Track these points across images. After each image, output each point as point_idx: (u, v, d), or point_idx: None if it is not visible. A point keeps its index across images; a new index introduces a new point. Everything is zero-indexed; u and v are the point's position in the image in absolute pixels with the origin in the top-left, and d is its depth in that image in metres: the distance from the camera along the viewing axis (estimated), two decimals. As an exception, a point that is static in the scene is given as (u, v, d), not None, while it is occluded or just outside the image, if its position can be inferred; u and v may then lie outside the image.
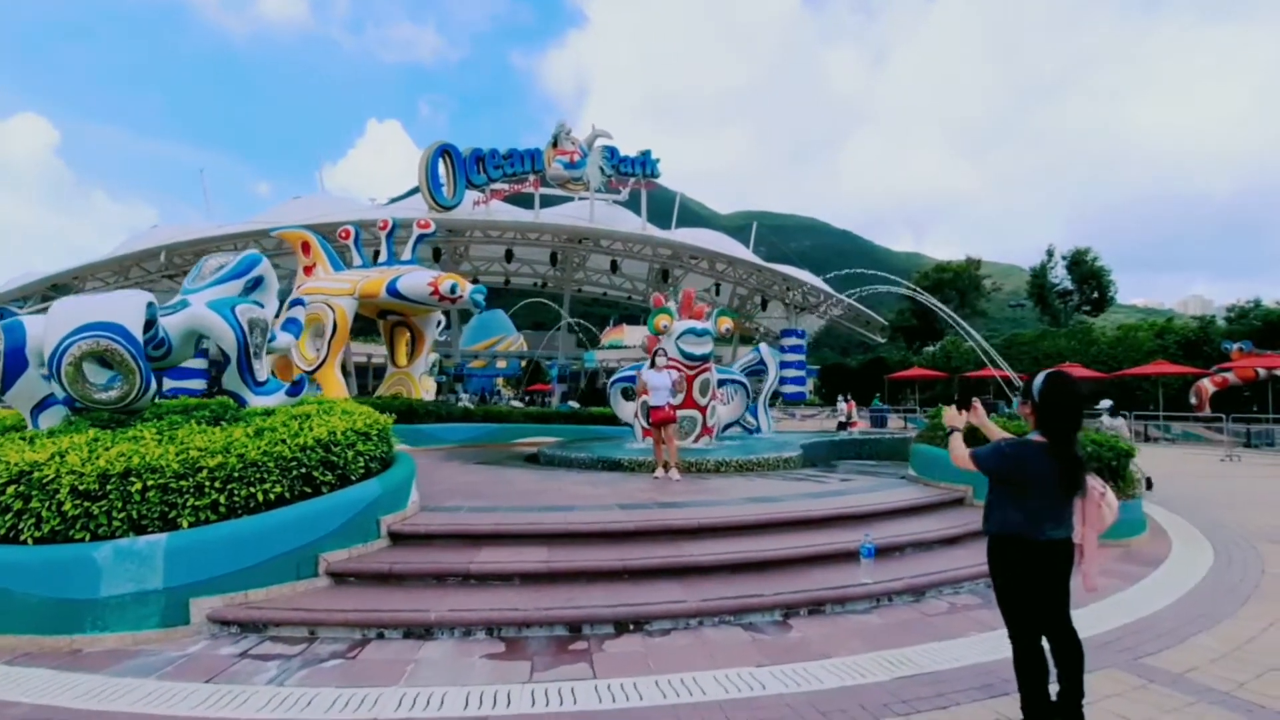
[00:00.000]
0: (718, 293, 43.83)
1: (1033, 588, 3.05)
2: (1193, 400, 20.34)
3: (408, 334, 15.26)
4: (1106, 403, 12.73)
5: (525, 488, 7.88)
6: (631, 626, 4.37)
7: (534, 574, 4.91)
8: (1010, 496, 3.13)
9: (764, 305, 42.93)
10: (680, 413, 11.47)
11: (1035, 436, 3.07)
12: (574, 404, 23.53)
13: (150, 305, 5.44)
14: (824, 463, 11.27)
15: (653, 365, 9.35)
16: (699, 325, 11.01)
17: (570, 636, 4.28)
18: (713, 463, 9.48)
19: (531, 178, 33.42)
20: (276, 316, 7.69)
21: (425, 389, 15.30)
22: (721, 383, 12.28)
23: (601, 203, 38.30)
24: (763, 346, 15.23)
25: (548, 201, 40.41)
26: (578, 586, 4.83)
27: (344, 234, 14.86)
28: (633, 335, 57.86)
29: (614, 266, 40.69)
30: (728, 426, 13.24)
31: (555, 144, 33.29)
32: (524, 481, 8.39)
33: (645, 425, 11.87)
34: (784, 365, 40.14)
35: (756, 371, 14.98)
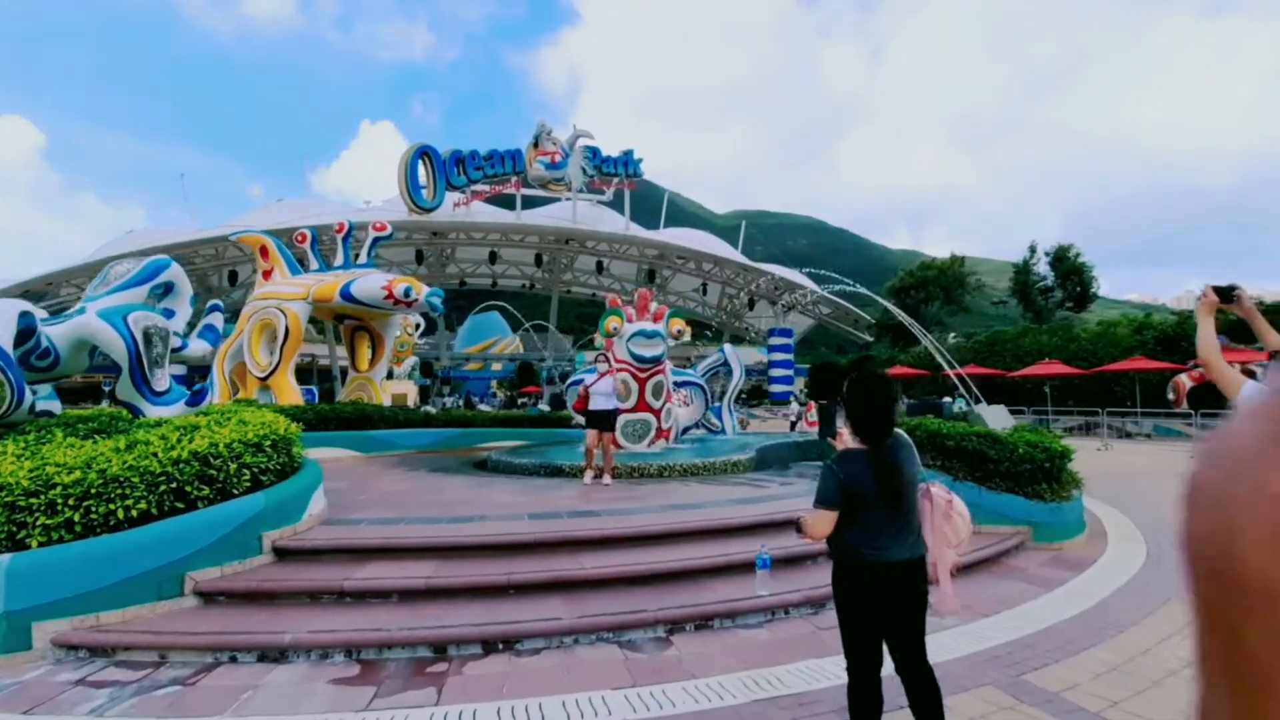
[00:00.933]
0: (705, 293, 43.71)
1: (874, 615, 2.73)
2: (1170, 396, 20.14)
3: (368, 338, 15.06)
4: (956, 401, 12.53)
5: (451, 496, 7.68)
6: (500, 646, 4.18)
7: (414, 590, 4.71)
8: (849, 513, 2.78)
9: (751, 305, 42.78)
10: (634, 416, 11.32)
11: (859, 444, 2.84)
12: (544, 407, 23.35)
13: (25, 315, 5.24)
14: (780, 465, 11.07)
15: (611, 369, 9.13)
16: (648, 327, 10.82)
17: (434, 658, 4.08)
18: (656, 467, 9.29)
19: (513, 179, 33.24)
20: (193, 323, 7.51)
21: (390, 393, 15.11)
22: (679, 385, 12.09)
23: (586, 203, 38.14)
24: (726, 347, 15.02)
25: (533, 203, 40.28)
26: (458, 603, 4.63)
27: (300, 238, 14.69)
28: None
29: (600, 267, 40.50)
30: (688, 429, 13.05)
31: (536, 144, 33.12)
32: (454, 490, 8.19)
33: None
34: (772, 365, 40.13)
35: (720, 373, 14.78)
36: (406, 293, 13.01)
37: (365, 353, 15.13)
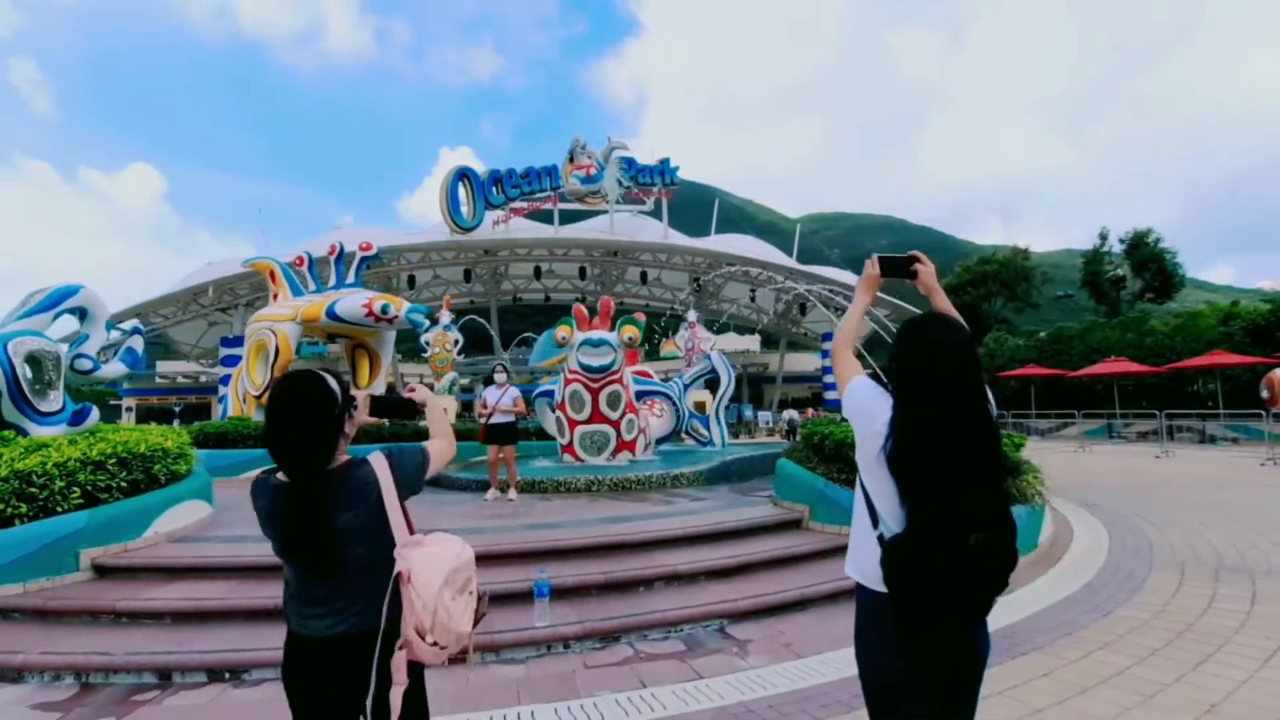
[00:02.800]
0: (753, 299, 42.59)
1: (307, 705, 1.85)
2: (1263, 393, 17.59)
3: (366, 356, 15.45)
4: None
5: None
6: (227, 675, 3.95)
7: (185, 612, 4.58)
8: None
9: (803, 310, 41.34)
10: (590, 428, 10.96)
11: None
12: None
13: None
14: (738, 479, 10.35)
15: (493, 382, 8.80)
16: (595, 335, 10.44)
17: (155, 685, 3.90)
18: (583, 481, 8.88)
19: (550, 194, 33.68)
20: (111, 347, 7.82)
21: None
22: (641, 394, 11.61)
23: (627, 214, 38.17)
24: (714, 353, 14.40)
25: (578, 216, 40.73)
26: (225, 626, 4.45)
27: (299, 261, 15.27)
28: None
29: (644, 278, 40.35)
30: (663, 440, 12.52)
31: (572, 159, 33.45)
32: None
33: (563, 442, 11.42)
34: (827, 370, 38.53)
35: (711, 380, 14.17)
36: (384, 309, 13.24)
37: (365, 369, 15.52)
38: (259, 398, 13.63)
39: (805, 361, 48.05)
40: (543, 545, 5.47)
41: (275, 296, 15.25)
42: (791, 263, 39.52)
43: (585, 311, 12.06)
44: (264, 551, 5.39)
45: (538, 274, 38.60)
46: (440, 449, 2.19)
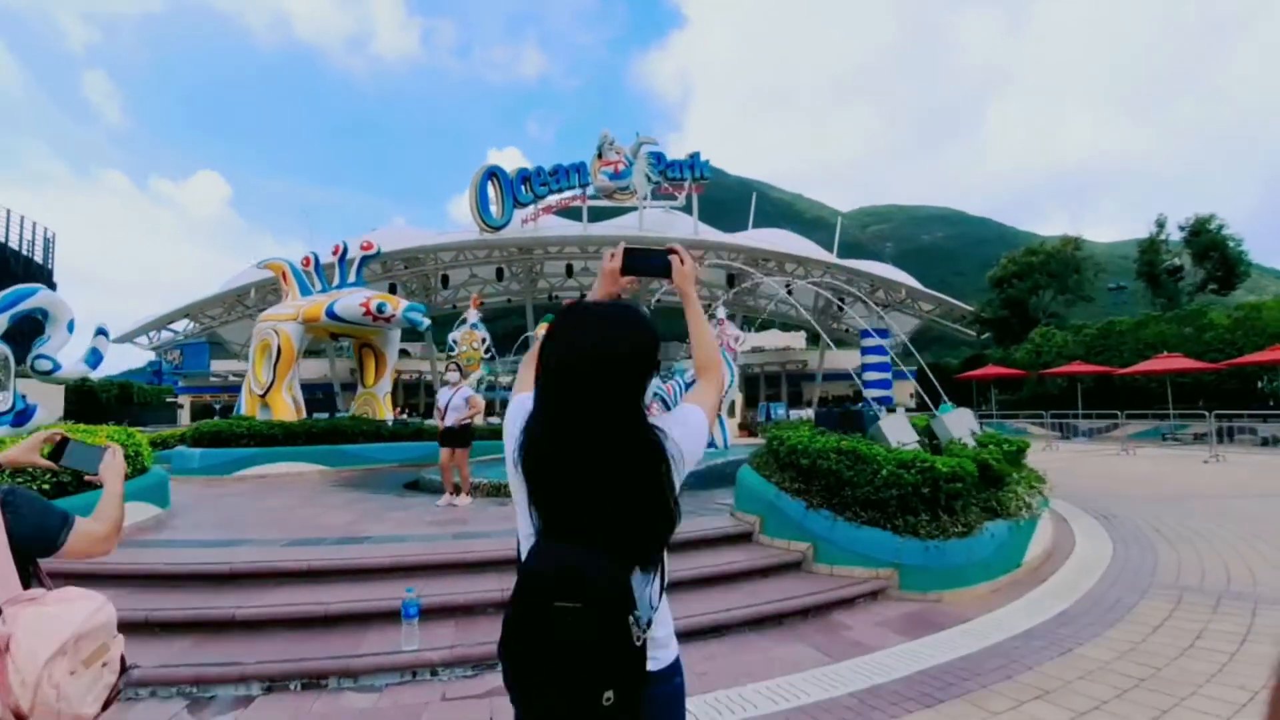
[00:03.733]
0: (789, 294, 41.47)
1: None
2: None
3: (372, 355, 15.53)
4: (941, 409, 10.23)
5: (298, 516, 7.44)
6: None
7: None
8: None
9: (840, 305, 39.98)
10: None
11: None
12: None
13: None
14: (730, 483, 9.78)
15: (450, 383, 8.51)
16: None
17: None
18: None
19: (578, 191, 33.52)
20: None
21: (388, 408, 15.49)
22: (631, 394, 11.15)
23: (659, 210, 37.73)
24: (715, 351, 13.80)
25: (613, 213, 40.49)
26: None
27: (305, 262, 15.43)
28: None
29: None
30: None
31: (600, 155, 33.19)
32: (314, 510, 7.95)
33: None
34: (866, 369, 37.14)
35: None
36: (380, 308, 13.23)
37: (371, 368, 15.61)
38: (263, 396, 13.81)
39: (846, 358, 46.56)
40: (449, 558, 5.13)
41: (286, 296, 15.48)
42: (828, 256, 38.29)
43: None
44: (172, 559, 5.25)
45: (569, 272, 38.52)
46: (87, 531, 1.72)
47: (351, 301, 13.46)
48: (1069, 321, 25.90)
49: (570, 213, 36.50)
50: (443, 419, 7.84)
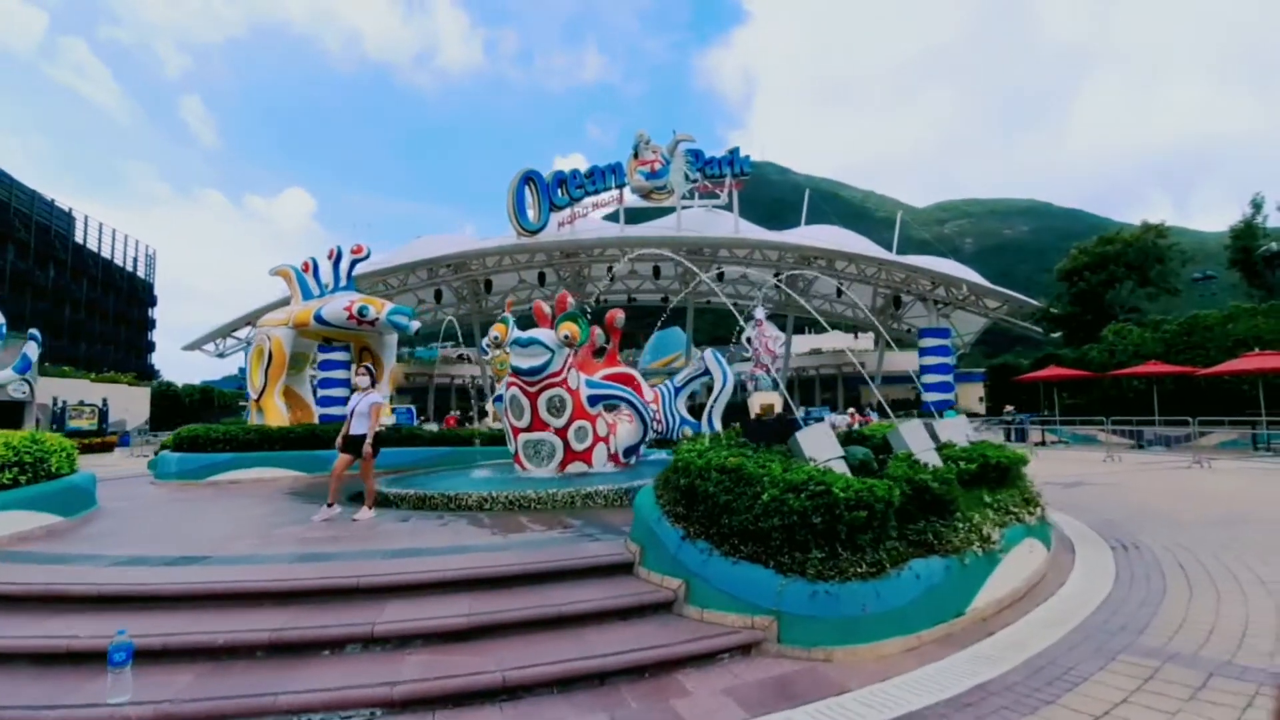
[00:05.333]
0: (840, 295, 39.43)
1: None
2: None
3: (370, 361, 15.37)
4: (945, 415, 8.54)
5: (187, 527, 7.06)
6: None
7: None
8: None
9: (897, 304, 37.77)
10: (532, 436, 9.95)
11: None
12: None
13: None
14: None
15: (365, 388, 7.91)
16: (524, 335, 9.38)
17: None
18: (475, 498, 7.85)
19: (615, 192, 33.01)
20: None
21: (388, 413, 15.28)
22: (597, 399, 10.37)
23: (701, 209, 36.73)
24: (707, 353, 12.83)
25: (658, 213, 39.73)
26: None
27: (304, 266, 15.44)
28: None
29: (720, 276, 38.61)
30: (632, 449, 11.19)
31: (636, 155, 32.59)
32: (213, 520, 7.57)
33: (511, 450, 10.51)
34: (925, 370, 34.77)
35: (696, 380, 12.68)
36: (363, 311, 13.00)
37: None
38: (256, 401, 13.85)
39: (906, 360, 43.93)
40: (242, 586, 4.50)
41: (293, 301, 15.55)
42: (883, 253, 36.08)
43: (545, 309, 11.09)
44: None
45: (610, 275, 38.03)
46: None
47: (336, 305, 13.31)
48: (1150, 317, 23.02)
49: (621, 215, 36.08)
50: (348, 425, 7.32)
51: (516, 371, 9.45)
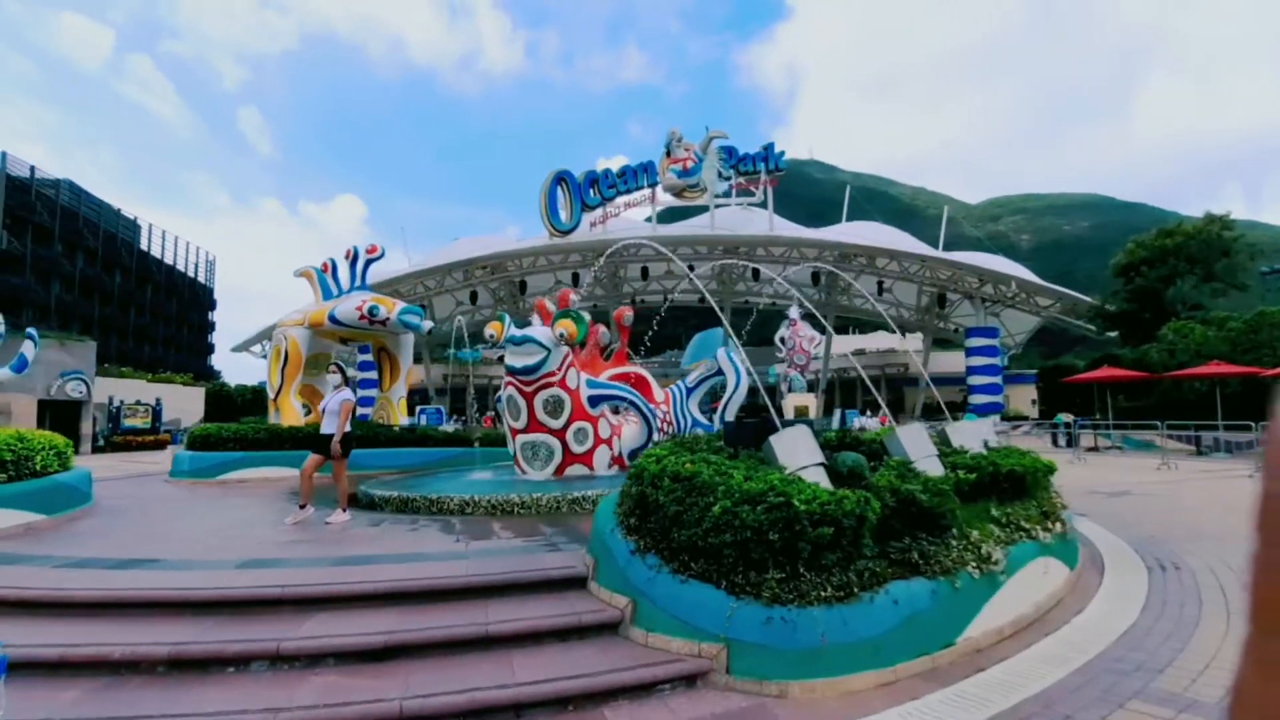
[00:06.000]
0: (880, 293, 38.08)
1: None
2: None
3: (388, 360, 15.39)
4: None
5: (166, 528, 6.96)
6: None
7: None
8: None
9: (942, 302, 36.30)
10: (529, 437, 9.63)
11: None
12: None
13: None
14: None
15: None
16: (518, 333, 9.07)
17: None
18: (457, 502, 7.56)
19: (647, 191, 32.63)
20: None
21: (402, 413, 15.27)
22: (599, 400, 9.99)
23: (736, 207, 36.04)
24: (720, 352, 12.27)
25: (692, 211, 39.17)
26: None
27: (324, 267, 15.53)
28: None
29: (756, 275, 37.84)
30: (638, 452, 10.74)
31: (669, 153, 32.15)
32: (195, 520, 7.47)
33: (511, 452, 10.22)
34: (971, 371, 33.25)
35: (710, 381, 12.16)
36: (373, 311, 12.96)
37: (386, 373, 15.48)
38: (274, 400, 13.98)
39: (953, 361, 42.19)
40: (161, 595, 4.27)
41: (315, 301, 15.69)
42: (926, 250, 34.68)
43: (549, 306, 10.76)
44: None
45: (645, 275, 37.70)
46: None
47: (349, 305, 13.30)
48: (1214, 314, 21.24)
49: (665, 215, 35.74)
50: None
51: (511, 370, 9.15)
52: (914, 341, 56.43)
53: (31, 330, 8.60)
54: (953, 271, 34.01)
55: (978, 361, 33.06)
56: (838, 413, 29.21)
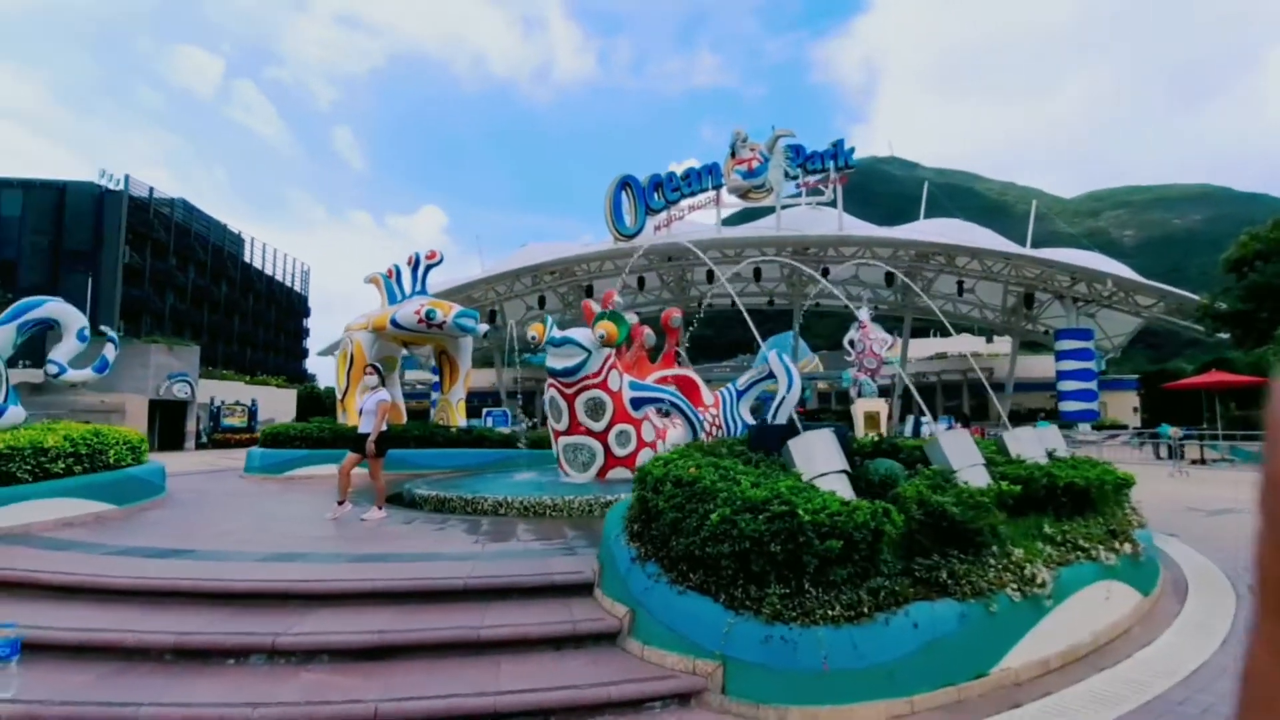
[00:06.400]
0: (960, 294, 36.06)
1: None
2: None
3: (448, 363, 15.80)
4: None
5: (224, 523, 7.31)
6: None
7: None
8: None
9: (1029, 302, 34.08)
10: (570, 440, 9.60)
11: None
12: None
13: None
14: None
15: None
16: (558, 335, 9.04)
17: None
18: (490, 503, 7.59)
19: (712, 193, 32.28)
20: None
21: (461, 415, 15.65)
22: (642, 403, 9.83)
23: (805, 207, 35.15)
24: (770, 354, 11.85)
25: (762, 212, 38.50)
26: None
27: (389, 273, 16.11)
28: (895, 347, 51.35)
29: (825, 274, 36.66)
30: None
31: (733, 154, 31.69)
32: (250, 516, 7.80)
33: (555, 454, 10.22)
34: (1061, 376, 30.97)
35: (761, 384, 11.77)
36: (430, 315, 13.31)
37: (448, 376, 15.89)
38: (341, 401, 14.60)
39: (1040, 365, 39.54)
40: (192, 584, 4.41)
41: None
42: (1010, 247, 32.63)
43: (594, 308, 10.73)
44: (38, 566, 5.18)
45: (710, 278, 37.30)
46: None
47: (408, 310, 13.73)
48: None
49: (737, 216, 35.40)
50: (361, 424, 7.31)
51: (552, 373, 9.14)
52: (1002, 345, 53.31)
53: (111, 333, 9.29)
54: (1041, 270, 31.85)
55: (1069, 365, 30.80)
56: (909, 420, 27.85)
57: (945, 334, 57.54)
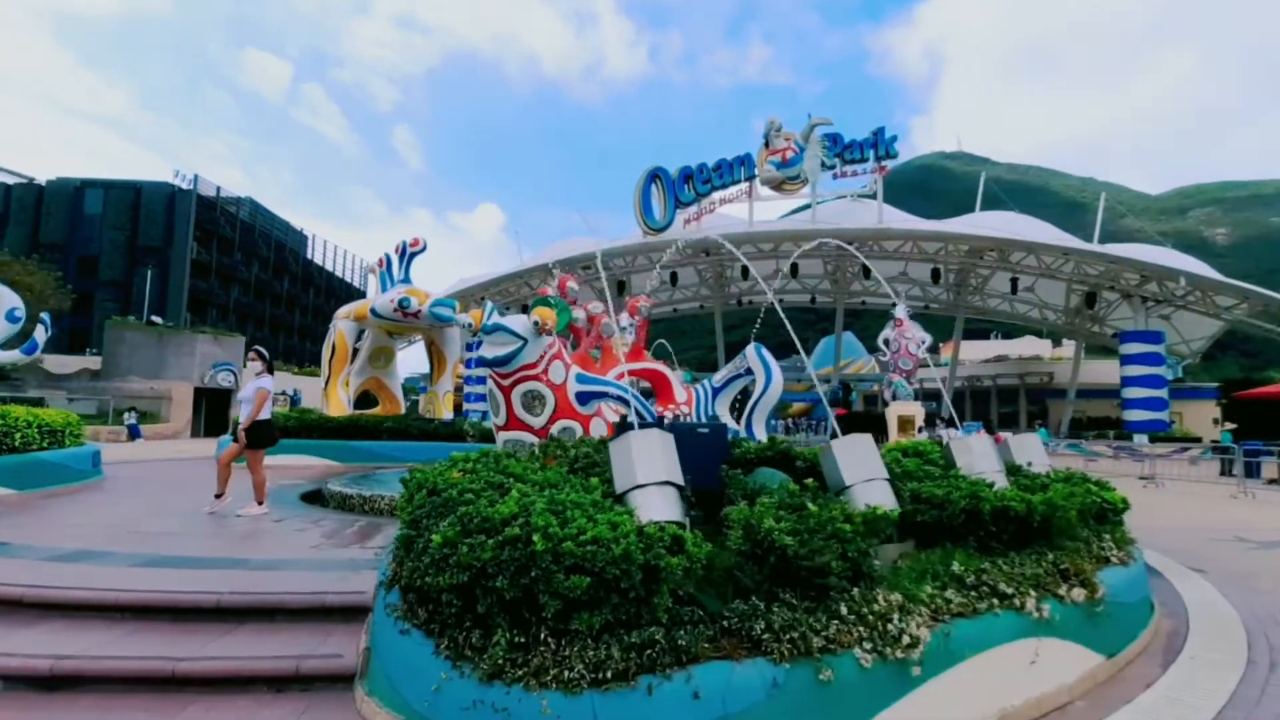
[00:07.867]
0: (1015, 291, 33.46)
1: None
2: None
3: (436, 354, 15.38)
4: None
5: (119, 519, 6.89)
6: None
7: None
8: None
9: (1090, 302, 31.38)
10: (508, 435, 8.83)
11: None
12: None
13: None
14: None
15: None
16: (489, 321, 8.28)
17: None
18: (386, 503, 6.93)
19: (744, 185, 31.02)
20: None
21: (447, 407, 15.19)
22: (592, 396, 8.98)
23: (845, 200, 33.48)
24: (749, 349, 10.78)
25: (801, 206, 36.95)
26: None
27: (379, 262, 15.79)
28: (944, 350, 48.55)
29: (866, 272, 34.82)
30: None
31: (767, 144, 30.33)
32: (148, 507, 7.36)
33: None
34: (1126, 382, 28.26)
35: (738, 380, 10.75)
36: (403, 304, 12.86)
37: (436, 368, 15.48)
38: (324, 391, 14.36)
39: (1104, 371, 36.41)
40: None
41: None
42: (1071, 241, 29.96)
43: (547, 290, 9.97)
44: None
45: (745, 274, 36.05)
46: None
47: (386, 298, 13.34)
48: None
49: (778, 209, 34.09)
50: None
51: (483, 362, 8.40)
52: (1069, 349, 49.64)
53: (44, 316, 9.14)
54: (1105, 266, 29.19)
55: (1134, 371, 28.10)
56: (940, 425, 25.94)
57: (1006, 336, 54.21)
